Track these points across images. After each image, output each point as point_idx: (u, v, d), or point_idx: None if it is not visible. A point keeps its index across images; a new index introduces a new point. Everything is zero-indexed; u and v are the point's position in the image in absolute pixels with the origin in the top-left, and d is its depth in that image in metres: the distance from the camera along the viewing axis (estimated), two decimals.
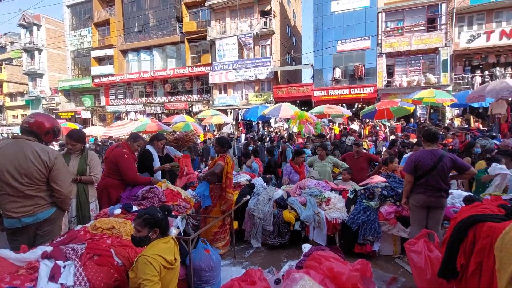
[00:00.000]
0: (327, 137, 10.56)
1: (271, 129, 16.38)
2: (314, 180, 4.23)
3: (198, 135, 12.02)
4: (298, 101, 18.00)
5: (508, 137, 7.51)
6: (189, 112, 21.57)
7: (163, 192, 3.19)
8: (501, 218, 1.91)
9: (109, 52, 24.00)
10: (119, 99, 25.14)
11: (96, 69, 24.56)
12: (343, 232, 3.45)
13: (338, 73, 17.75)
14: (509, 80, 10.87)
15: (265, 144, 8.91)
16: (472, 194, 3.43)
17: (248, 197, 3.93)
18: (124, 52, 24.68)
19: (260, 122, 17.02)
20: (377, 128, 12.42)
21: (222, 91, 21.58)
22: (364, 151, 5.80)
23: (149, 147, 4.00)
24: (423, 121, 13.63)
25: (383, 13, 16.62)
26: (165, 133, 8.18)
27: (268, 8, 19.69)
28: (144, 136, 12.58)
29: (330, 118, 13.73)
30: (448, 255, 2.05)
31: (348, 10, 17.38)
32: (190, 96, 22.68)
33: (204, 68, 21.42)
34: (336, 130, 13.24)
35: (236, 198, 3.89)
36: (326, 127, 13.44)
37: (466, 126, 11.86)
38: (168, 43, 23.06)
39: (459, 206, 3.25)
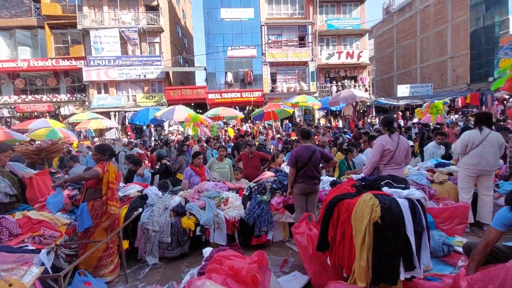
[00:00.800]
0: (222, 139, 10.90)
1: (165, 133, 15.42)
2: (212, 182, 4.26)
3: (71, 144, 9.86)
4: (192, 104, 17.73)
5: (355, 132, 9.98)
6: (55, 115, 17.41)
7: (15, 222, 2.41)
8: (354, 195, 2.48)
9: None
10: None
11: None
12: (241, 228, 3.63)
13: (230, 77, 18.65)
14: (353, 89, 14.41)
15: (171, 148, 8.27)
16: (335, 179, 4.33)
17: (140, 210, 3.52)
18: None
19: (152, 125, 15.71)
20: (267, 128, 13.86)
21: (102, 91, 18.59)
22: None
23: None
24: (299, 121, 16.18)
25: (265, 27, 18.68)
26: (17, 143, 6.27)
27: (155, 3, 18.41)
28: None
29: (224, 120, 14.22)
30: (322, 230, 2.50)
31: (236, 19, 18.52)
32: (56, 95, 18.36)
33: (76, 62, 17.83)
34: (231, 132, 13.86)
35: (125, 214, 3.42)
36: (221, 129, 13.84)
37: (329, 125, 15.00)
38: (18, 26, 17.83)
39: (327, 189, 4.03)
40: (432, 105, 9.21)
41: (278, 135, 11.85)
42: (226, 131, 13.88)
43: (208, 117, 11.67)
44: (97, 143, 9.73)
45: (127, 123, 16.81)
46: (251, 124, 15.86)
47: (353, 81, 19.82)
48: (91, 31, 17.58)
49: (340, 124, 14.85)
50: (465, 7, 20.15)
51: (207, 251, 2.67)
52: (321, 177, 3.94)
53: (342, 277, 2.43)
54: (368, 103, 17.83)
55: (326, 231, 2.47)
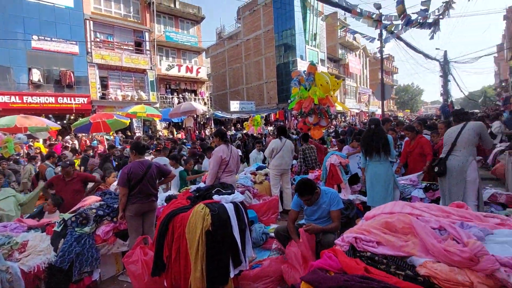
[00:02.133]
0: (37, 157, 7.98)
1: None
2: None
3: None
4: None
5: (198, 144, 10.42)
6: None
7: None
8: (188, 208, 2.51)
9: None
10: None
11: None
12: (51, 278, 2.74)
13: (37, 75, 14.16)
14: (193, 102, 15.10)
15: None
16: (171, 194, 4.24)
17: None
18: None
19: None
20: (96, 142, 11.63)
21: None
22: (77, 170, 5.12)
23: None
24: (137, 132, 14.88)
25: (91, 22, 15.87)
26: None
27: None
28: None
29: (28, 133, 10.54)
30: (156, 251, 2.34)
31: (46, 3, 14.43)
32: None
33: None
34: (42, 148, 10.52)
35: None
36: (23, 145, 10.15)
37: (171, 136, 14.81)
38: None
39: (164, 204, 3.88)
40: (253, 118, 11.36)
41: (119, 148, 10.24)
42: (30, 146, 10.35)
43: None
44: None
45: None
46: (73, 137, 12.71)
47: (193, 94, 20.79)
48: None
49: (180, 135, 15.06)
50: (272, 46, 26.69)
51: None
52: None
53: None
54: (207, 116, 19.32)
55: (161, 251, 2.34)
